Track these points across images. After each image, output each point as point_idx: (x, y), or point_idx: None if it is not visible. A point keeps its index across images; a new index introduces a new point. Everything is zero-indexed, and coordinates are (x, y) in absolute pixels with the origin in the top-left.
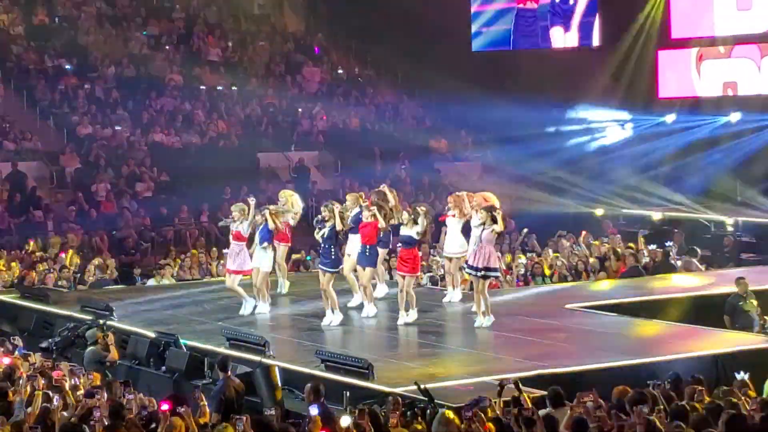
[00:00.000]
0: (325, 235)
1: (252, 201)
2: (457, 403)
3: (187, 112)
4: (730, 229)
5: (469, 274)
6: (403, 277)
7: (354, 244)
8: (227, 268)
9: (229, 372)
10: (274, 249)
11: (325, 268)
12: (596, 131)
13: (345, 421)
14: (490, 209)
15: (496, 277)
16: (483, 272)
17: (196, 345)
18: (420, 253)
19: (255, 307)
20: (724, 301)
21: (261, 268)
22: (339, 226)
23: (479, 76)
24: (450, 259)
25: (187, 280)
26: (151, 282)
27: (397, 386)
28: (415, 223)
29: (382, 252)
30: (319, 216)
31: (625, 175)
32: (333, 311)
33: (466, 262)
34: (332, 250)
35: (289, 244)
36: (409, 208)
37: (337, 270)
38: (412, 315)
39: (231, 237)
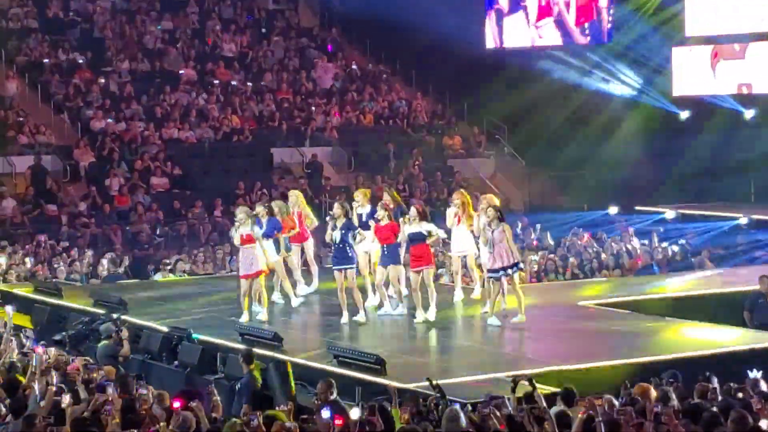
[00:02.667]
0: (338, 236)
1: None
2: (469, 399)
3: (201, 107)
4: (743, 227)
5: (493, 278)
6: (419, 273)
7: (364, 244)
8: (239, 274)
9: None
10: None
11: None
12: (610, 128)
13: (355, 413)
14: (497, 208)
15: (520, 270)
16: (502, 272)
17: (209, 340)
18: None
19: (259, 312)
20: (738, 300)
21: (270, 260)
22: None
23: (493, 72)
24: (457, 257)
25: (200, 275)
26: (158, 276)
27: (409, 382)
28: (423, 219)
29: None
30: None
31: (639, 172)
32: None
33: (489, 269)
34: (348, 248)
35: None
36: (417, 205)
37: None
38: (431, 313)
39: (239, 243)
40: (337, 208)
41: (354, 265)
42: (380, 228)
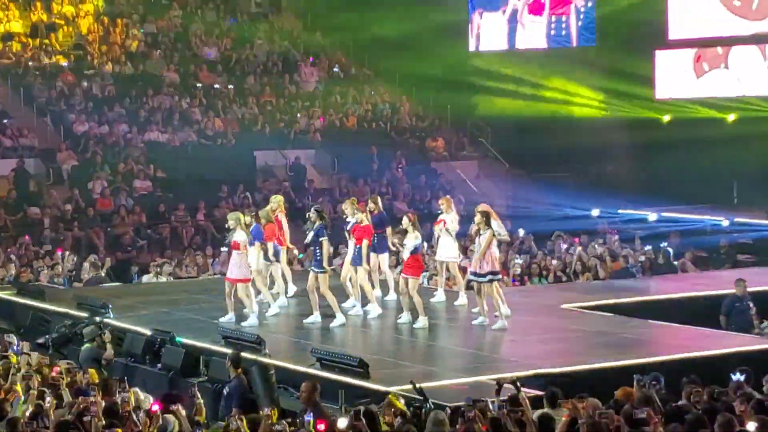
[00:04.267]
0: (310, 238)
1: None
2: (452, 402)
3: (183, 110)
4: (726, 230)
5: (475, 281)
6: (405, 279)
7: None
8: (227, 277)
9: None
10: (266, 250)
11: (315, 270)
12: (593, 131)
13: (342, 423)
14: (485, 214)
15: (498, 279)
16: (489, 277)
17: (192, 343)
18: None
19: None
20: (720, 302)
21: (252, 266)
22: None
23: (477, 76)
24: (443, 263)
25: (183, 278)
26: (146, 278)
27: (392, 385)
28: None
29: (382, 256)
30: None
31: (621, 174)
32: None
33: (473, 272)
34: (318, 251)
35: (285, 247)
36: (410, 215)
37: (323, 270)
38: (405, 317)
39: (231, 247)
40: (312, 213)
41: (323, 269)
42: (358, 228)
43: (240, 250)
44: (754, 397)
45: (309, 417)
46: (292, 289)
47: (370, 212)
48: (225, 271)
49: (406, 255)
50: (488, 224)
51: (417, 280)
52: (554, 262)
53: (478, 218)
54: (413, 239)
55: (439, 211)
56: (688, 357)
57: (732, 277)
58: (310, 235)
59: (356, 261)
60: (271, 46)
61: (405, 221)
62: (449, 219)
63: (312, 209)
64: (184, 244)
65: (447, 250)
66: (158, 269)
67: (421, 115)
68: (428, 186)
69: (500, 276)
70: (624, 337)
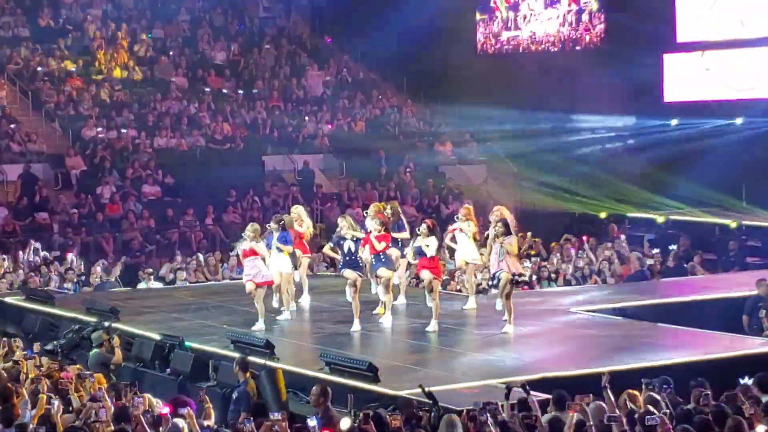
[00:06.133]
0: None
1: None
2: (461, 406)
3: (192, 115)
4: (735, 232)
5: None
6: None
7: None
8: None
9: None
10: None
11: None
12: (601, 134)
13: (345, 423)
14: (505, 223)
15: (525, 282)
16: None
17: (201, 347)
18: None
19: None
20: (729, 305)
21: (283, 271)
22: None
23: (485, 79)
24: (464, 266)
25: (192, 283)
26: (141, 285)
27: (401, 389)
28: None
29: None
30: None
31: (630, 178)
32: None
33: (493, 275)
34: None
35: (310, 255)
36: (428, 220)
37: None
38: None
39: (241, 256)
40: (342, 221)
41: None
42: (377, 237)
43: (255, 256)
44: (763, 400)
45: (313, 421)
46: (307, 298)
47: (390, 217)
48: (234, 276)
49: (431, 254)
50: (509, 232)
51: (439, 282)
52: (563, 265)
53: (500, 228)
54: (433, 241)
55: (457, 218)
56: (698, 360)
57: (741, 279)
58: (350, 243)
59: (375, 267)
60: (279, 50)
61: (424, 228)
62: (467, 228)
63: (341, 217)
64: (193, 248)
65: (469, 252)
66: (150, 275)
67: (429, 119)
68: (436, 190)
69: (520, 278)
70: (633, 341)
